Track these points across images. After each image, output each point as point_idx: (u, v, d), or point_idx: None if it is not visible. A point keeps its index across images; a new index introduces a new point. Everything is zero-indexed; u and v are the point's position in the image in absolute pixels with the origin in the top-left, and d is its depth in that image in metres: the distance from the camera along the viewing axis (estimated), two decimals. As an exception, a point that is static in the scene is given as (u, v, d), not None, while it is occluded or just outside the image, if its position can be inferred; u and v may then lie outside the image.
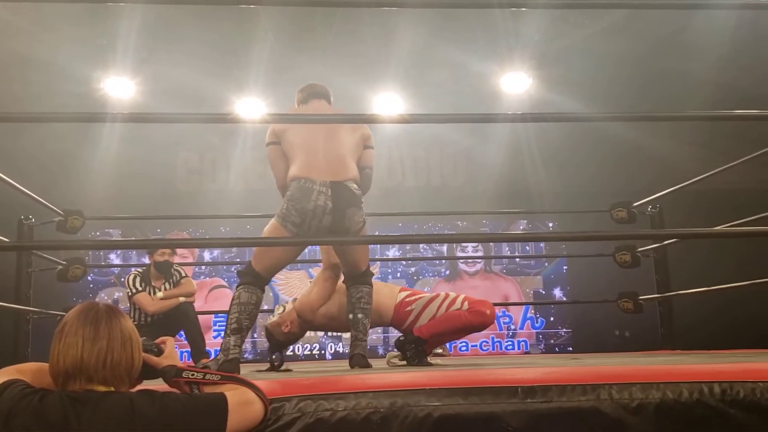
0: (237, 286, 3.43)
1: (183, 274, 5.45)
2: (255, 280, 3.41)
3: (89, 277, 8.66)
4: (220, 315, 8.78)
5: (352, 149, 3.49)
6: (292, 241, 3.52)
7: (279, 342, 3.90)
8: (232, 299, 3.42)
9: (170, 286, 5.34)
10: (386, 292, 3.87)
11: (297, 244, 3.56)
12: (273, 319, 3.93)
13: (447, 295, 3.84)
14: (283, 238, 3.40)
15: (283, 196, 3.50)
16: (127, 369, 1.69)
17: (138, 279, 5.26)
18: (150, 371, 1.81)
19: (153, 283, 5.30)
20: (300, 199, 3.32)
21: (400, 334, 3.75)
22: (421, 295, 3.88)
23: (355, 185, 3.43)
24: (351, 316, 3.57)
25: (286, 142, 3.45)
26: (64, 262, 5.25)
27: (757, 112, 2.96)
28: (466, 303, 3.77)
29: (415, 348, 3.62)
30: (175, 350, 1.90)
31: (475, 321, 3.73)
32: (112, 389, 1.65)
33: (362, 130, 3.58)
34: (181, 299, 5.25)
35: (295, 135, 3.42)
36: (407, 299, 3.85)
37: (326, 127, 3.44)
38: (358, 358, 3.44)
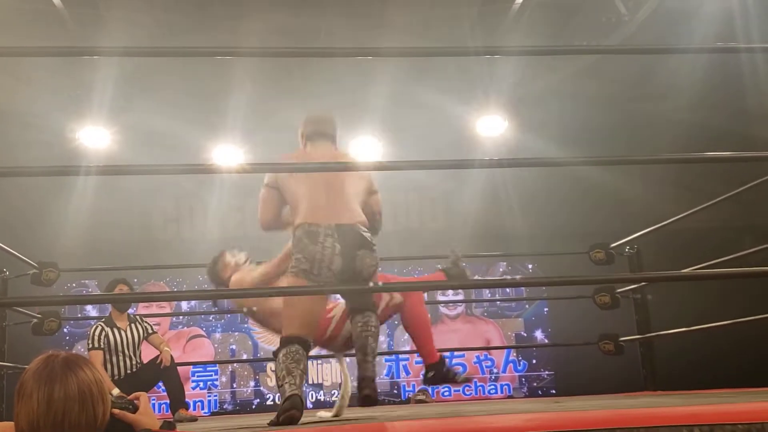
0: (274, 354, 3.23)
1: (152, 331, 5.44)
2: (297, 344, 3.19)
3: (65, 329, 8.50)
4: (198, 366, 8.64)
5: (357, 195, 3.45)
6: (258, 293, 3.48)
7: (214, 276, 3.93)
8: (275, 363, 3.22)
9: (139, 329, 5.36)
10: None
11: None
12: (227, 258, 3.92)
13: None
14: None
15: (264, 230, 3.46)
16: (89, 425, 1.62)
17: (98, 330, 5.22)
18: (125, 429, 1.77)
19: (118, 324, 5.29)
20: (307, 243, 3.20)
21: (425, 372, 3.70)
22: (340, 302, 3.80)
23: (363, 228, 3.35)
24: (358, 338, 3.38)
25: (288, 192, 3.36)
26: (39, 316, 5.17)
27: (729, 154, 3.00)
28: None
29: (439, 375, 3.63)
30: (150, 406, 1.86)
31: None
32: None
33: (366, 180, 3.55)
34: (165, 349, 5.22)
35: (297, 185, 3.33)
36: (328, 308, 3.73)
37: (329, 178, 3.34)
38: (368, 382, 3.26)
